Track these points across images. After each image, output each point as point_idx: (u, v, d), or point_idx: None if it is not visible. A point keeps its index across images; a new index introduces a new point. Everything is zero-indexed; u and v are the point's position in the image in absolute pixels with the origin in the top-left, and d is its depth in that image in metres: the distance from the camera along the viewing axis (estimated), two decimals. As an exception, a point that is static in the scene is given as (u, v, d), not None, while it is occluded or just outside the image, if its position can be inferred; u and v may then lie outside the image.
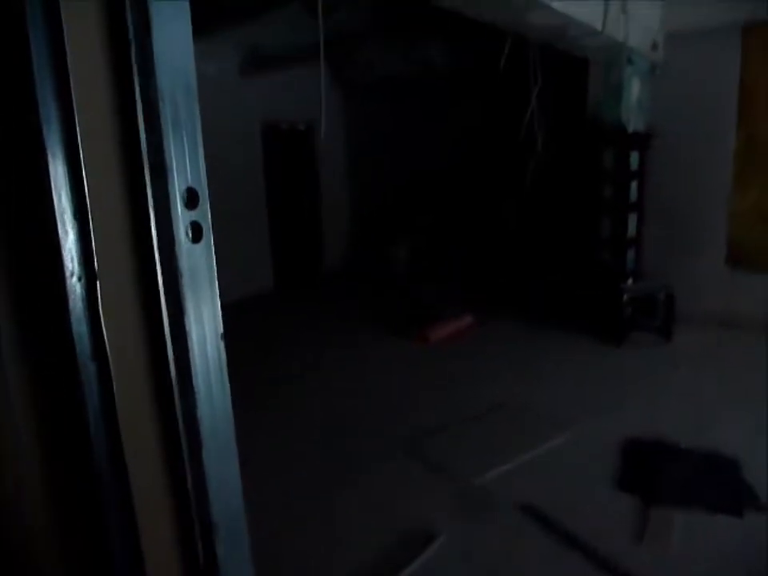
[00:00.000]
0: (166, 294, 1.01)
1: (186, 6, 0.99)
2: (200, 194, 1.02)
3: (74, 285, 1.01)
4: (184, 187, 0.98)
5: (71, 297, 1.01)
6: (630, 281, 5.74)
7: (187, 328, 1.02)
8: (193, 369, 1.01)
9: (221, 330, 1.09)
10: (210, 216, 1.06)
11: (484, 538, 2.63)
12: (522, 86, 5.38)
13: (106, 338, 1.03)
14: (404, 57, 7.04)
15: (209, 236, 1.04)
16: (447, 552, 2.53)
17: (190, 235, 1.01)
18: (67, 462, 1.18)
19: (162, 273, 1.00)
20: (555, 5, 3.43)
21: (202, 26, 5.45)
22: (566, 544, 2.54)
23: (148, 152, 0.94)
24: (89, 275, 1.00)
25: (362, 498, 2.98)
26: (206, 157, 1.08)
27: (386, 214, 8.92)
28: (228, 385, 1.09)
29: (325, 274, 8.81)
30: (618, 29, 4.27)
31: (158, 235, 0.98)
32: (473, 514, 2.81)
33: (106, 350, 1.03)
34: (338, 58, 7.94)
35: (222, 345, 1.09)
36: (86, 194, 0.99)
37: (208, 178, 1.08)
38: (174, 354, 1.02)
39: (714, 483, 3.01)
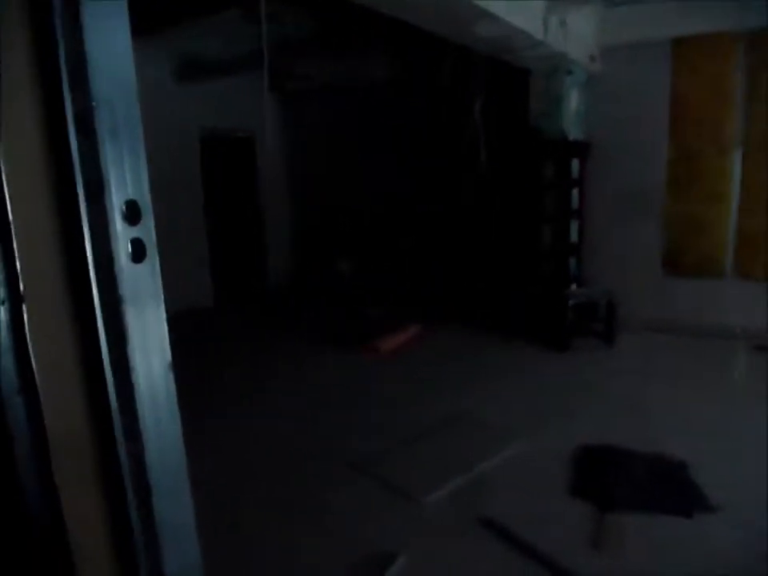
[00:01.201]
0: (104, 320, 0.88)
1: (124, 3, 0.88)
2: (142, 208, 0.90)
3: (-4, 310, 0.88)
4: (123, 201, 0.87)
5: (-8, 323, 0.87)
6: (573, 287, 5.88)
7: (130, 359, 0.90)
8: (139, 407, 0.90)
9: (169, 359, 0.97)
10: (154, 232, 0.94)
11: (445, 555, 2.56)
12: (464, 97, 5.44)
13: (35, 369, 0.90)
14: (345, 68, 6.99)
15: (153, 254, 0.92)
16: (408, 572, 2.44)
17: (132, 254, 0.89)
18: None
19: (100, 297, 0.88)
20: (501, 16, 3.45)
21: (133, 29, 5.21)
22: (528, 557, 2.50)
23: (81, 163, 0.83)
24: (13, 299, 0.87)
25: (316, 522, 2.86)
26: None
27: (331, 226, 8.82)
28: (179, 422, 0.97)
29: (268, 288, 8.60)
30: (558, 40, 4.37)
31: (93, 255, 0.86)
32: (432, 532, 2.74)
33: (35, 382, 0.90)
34: (277, 68, 7.80)
35: (171, 376, 0.97)
36: (8, 209, 0.86)
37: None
38: (116, 389, 0.90)
39: (664, 486, 3.07)
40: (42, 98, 0.83)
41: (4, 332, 0.90)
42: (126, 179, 0.88)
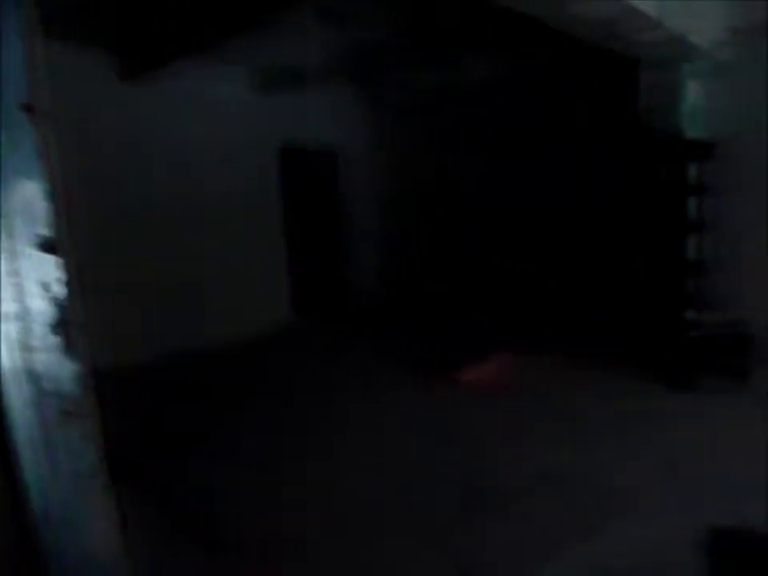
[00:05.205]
0: None
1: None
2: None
3: None
4: None
5: None
6: (692, 312, 4.99)
7: None
8: None
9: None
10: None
11: None
12: (570, 92, 4.77)
13: None
14: (439, 68, 6.47)
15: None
16: None
17: None
18: None
19: None
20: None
21: (209, 43, 4.97)
22: None
23: None
24: None
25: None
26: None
27: (422, 239, 8.31)
28: None
29: (356, 308, 8.22)
30: (678, 20, 3.61)
31: None
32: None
33: None
34: (366, 75, 7.37)
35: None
36: None
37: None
38: None
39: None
40: None
41: None
42: None
